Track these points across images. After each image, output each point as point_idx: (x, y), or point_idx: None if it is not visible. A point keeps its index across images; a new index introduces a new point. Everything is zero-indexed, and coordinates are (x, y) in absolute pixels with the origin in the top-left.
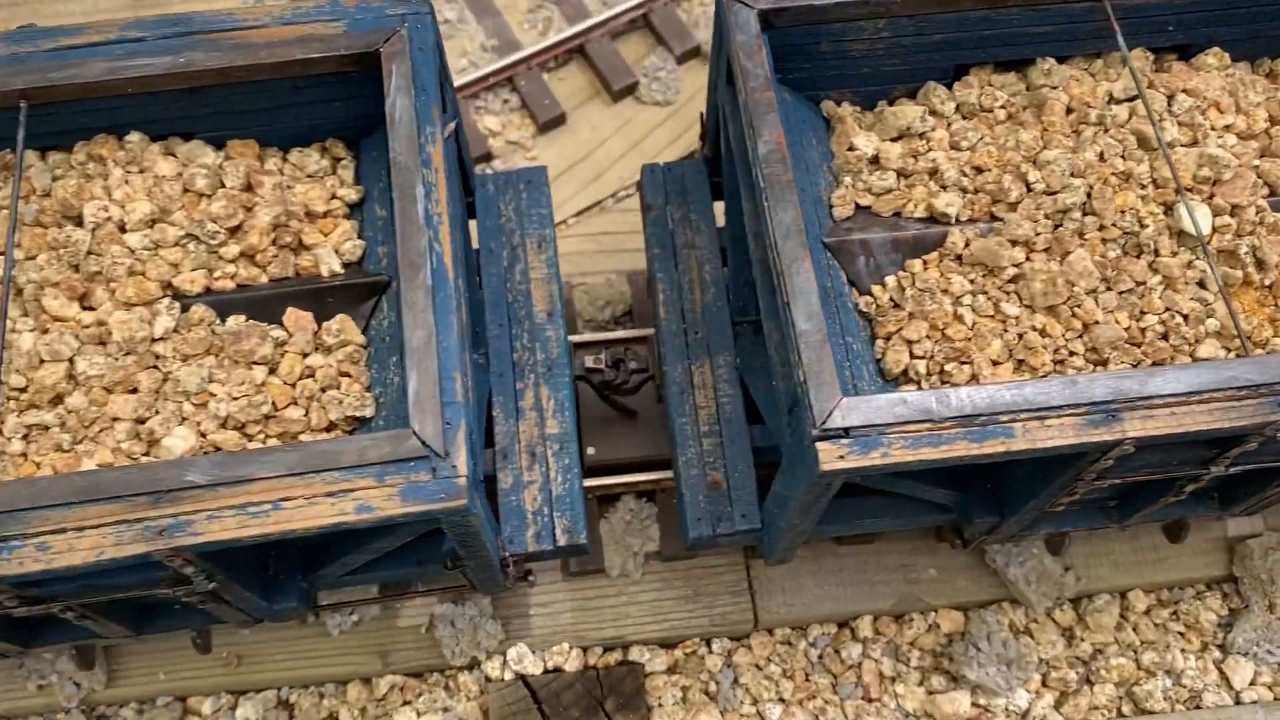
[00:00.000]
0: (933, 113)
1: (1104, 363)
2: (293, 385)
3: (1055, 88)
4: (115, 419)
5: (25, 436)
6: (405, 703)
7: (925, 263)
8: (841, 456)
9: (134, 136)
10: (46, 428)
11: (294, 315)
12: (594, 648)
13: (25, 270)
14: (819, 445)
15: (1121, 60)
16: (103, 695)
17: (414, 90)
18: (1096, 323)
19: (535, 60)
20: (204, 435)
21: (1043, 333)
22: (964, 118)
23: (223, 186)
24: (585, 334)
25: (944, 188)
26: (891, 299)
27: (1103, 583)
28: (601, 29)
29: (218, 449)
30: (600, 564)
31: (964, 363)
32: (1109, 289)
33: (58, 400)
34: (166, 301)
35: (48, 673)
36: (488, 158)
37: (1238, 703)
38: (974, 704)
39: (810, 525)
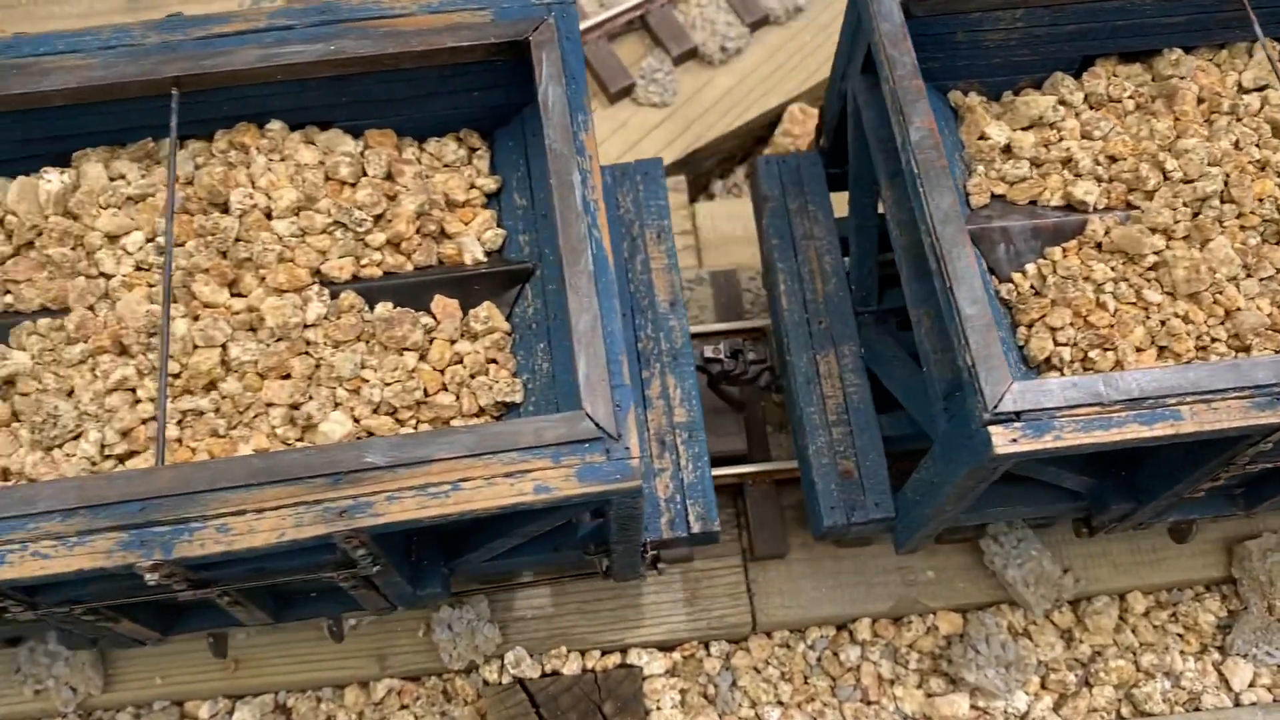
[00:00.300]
0: (1062, 103)
1: (1246, 349)
2: (442, 371)
3: (1184, 78)
4: (270, 404)
5: (180, 422)
6: (403, 706)
7: (1064, 250)
8: (1014, 440)
9: (275, 124)
10: (201, 413)
11: (441, 302)
12: (592, 651)
13: (174, 257)
14: (991, 429)
15: (1248, 50)
16: (100, 700)
17: (564, 78)
18: (1238, 309)
19: None
20: (357, 420)
21: (1185, 319)
22: (1091, 108)
23: (365, 175)
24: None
25: (1078, 176)
26: (1032, 286)
27: (1101, 584)
28: (598, 31)
29: (370, 434)
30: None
31: (1107, 349)
32: (1250, 276)
33: (211, 386)
34: (316, 288)
35: (44, 677)
36: None
37: (1237, 704)
38: (973, 706)
39: (958, 512)
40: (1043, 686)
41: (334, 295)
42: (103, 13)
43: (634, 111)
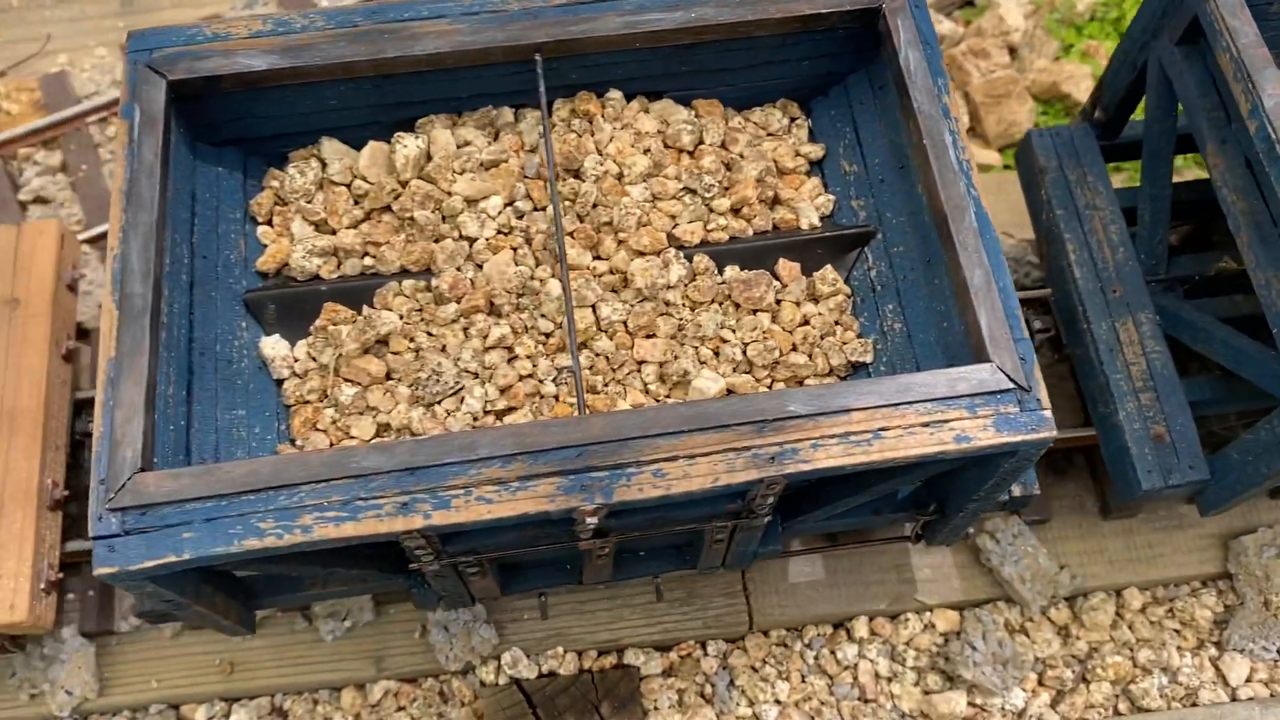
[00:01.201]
0: None
1: None
2: (791, 332)
3: None
4: (641, 362)
5: (555, 379)
6: (399, 708)
7: None
8: None
9: (614, 93)
10: (574, 370)
11: (786, 265)
12: (589, 651)
13: (535, 221)
14: None
15: None
16: (95, 704)
17: (921, 44)
18: None
19: None
20: (722, 377)
21: None
22: None
23: (703, 143)
24: None
25: None
26: None
27: (1098, 581)
28: None
29: (731, 391)
30: None
31: None
32: None
33: (583, 345)
34: (673, 251)
35: (40, 681)
36: None
37: (1234, 699)
38: (970, 704)
39: None
40: (1040, 683)
41: (688, 258)
42: (95, 16)
43: None
